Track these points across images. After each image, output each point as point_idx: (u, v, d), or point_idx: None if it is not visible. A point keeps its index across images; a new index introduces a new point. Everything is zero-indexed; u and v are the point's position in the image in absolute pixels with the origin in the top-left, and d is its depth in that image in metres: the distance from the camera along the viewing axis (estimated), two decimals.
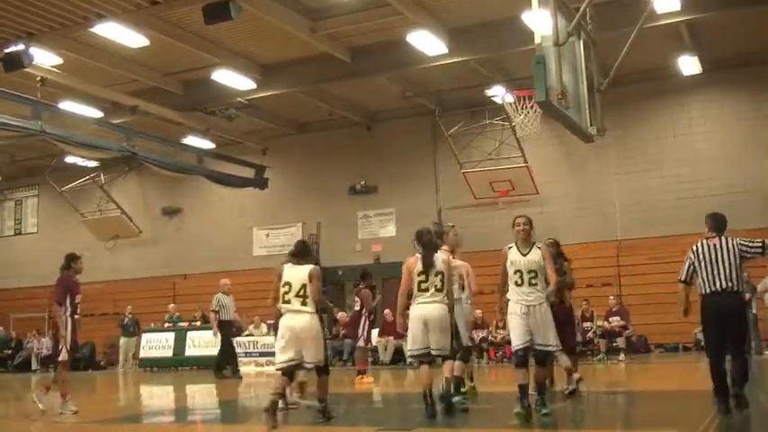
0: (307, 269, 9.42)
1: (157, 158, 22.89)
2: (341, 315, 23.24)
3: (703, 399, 10.54)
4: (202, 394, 16.16)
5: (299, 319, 9.18)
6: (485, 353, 20.87)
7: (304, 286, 9.26)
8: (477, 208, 24.12)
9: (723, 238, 8.90)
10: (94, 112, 22.47)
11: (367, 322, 16.04)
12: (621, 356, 18.83)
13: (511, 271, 8.93)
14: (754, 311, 16.74)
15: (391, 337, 21.60)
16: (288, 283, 9.37)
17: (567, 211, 23.31)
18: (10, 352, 27.85)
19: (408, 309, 9.72)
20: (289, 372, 9.39)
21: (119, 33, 17.64)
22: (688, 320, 21.06)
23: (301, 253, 9.84)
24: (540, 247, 9.15)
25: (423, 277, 9.55)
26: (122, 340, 25.30)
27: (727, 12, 18.50)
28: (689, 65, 21.29)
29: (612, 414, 9.77)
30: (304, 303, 9.24)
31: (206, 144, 25.98)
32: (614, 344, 19.26)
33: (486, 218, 24.00)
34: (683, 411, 9.35)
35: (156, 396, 16.12)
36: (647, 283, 18.49)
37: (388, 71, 21.38)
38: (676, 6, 17.05)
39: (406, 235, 25.16)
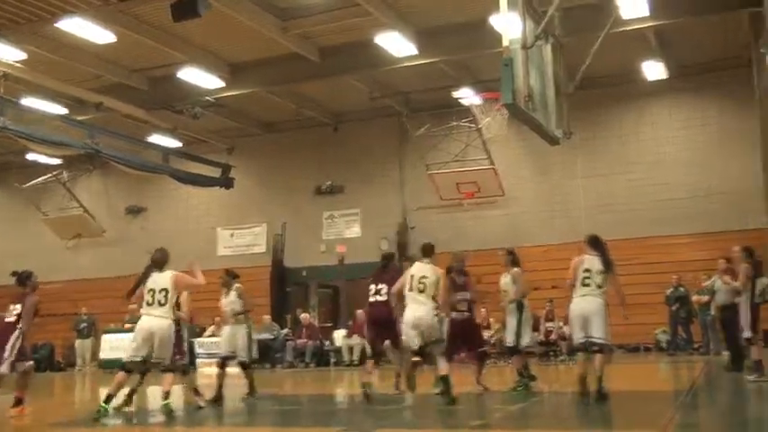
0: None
1: (122, 156, 22.72)
2: (304, 316, 23.20)
3: (663, 398, 10.70)
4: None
5: None
6: None
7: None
8: (443, 209, 24.20)
9: None
10: (58, 109, 22.21)
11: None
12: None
13: None
14: (712, 313, 16.95)
15: (360, 338, 21.63)
16: None
17: (533, 213, 23.49)
18: None
19: None
20: None
21: (85, 29, 17.47)
22: (650, 322, 21.54)
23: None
24: None
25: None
26: (77, 342, 25.00)
27: (693, 19, 18.77)
28: (655, 70, 21.55)
29: (572, 414, 9.84)
30: None
31: (172, 143, 25.78)
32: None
33: (452, 219, 24.12)
34: (643, 411, 9.44)
35: (114, 399, 15.90)
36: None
37: (357, 72, 21.39)
38: (644, 12, 17.26)
39: (370, 236, 25.36)
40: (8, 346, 10.56)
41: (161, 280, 10.28)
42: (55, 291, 28.24)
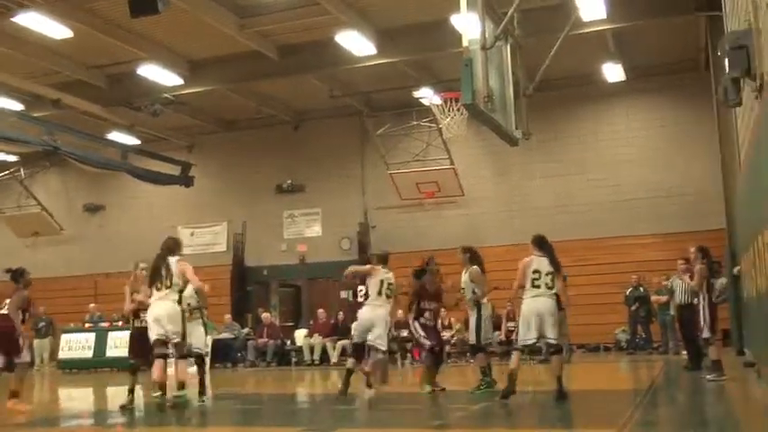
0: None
1: (80, 154, 22.44)
2: (265, 316, 23.10)
3: (623, 397, 10.80)
4: (122, 396, 15.85)
5: None
6: (408, 353, 20.82)
7: None
8: (404, 209, 24.25)
9: None
10: (15, 105, 21.92)
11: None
12: (543, 356, 18.99)
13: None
14: (672, 312, 17.14)
15: (321, 337, 21.63)
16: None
17: (493, 213, 23.59)
18: None
19: None
20: None
21: (41, 24, 17.26)
22: (609, 321, 21.72)
23: None
24: None
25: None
26: (36, 341, 24.61)
27: (650, 22, 18.99)
28: (613, 72, 21.75)
29: (533, 414, 9.90)
30: None
31: (131, 140, 25.56)
32: (537, 344, 19.46)
33: (413, 218, 24.18)
34: (603, 410, 9.53)
35: (74, 398, 15.77)
36: (569, 285, 18.75)
37: (317, 70, 21.34)
38: (602, 15, 17.42)
39: (331, 235, 25.33)
40: (20, 339, 11.02)
41: (171, 266, 10.47)
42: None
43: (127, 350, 11.52)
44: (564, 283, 10.43)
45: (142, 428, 10.18)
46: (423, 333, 11.87)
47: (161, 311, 10.29)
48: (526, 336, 10.06)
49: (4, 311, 11.13)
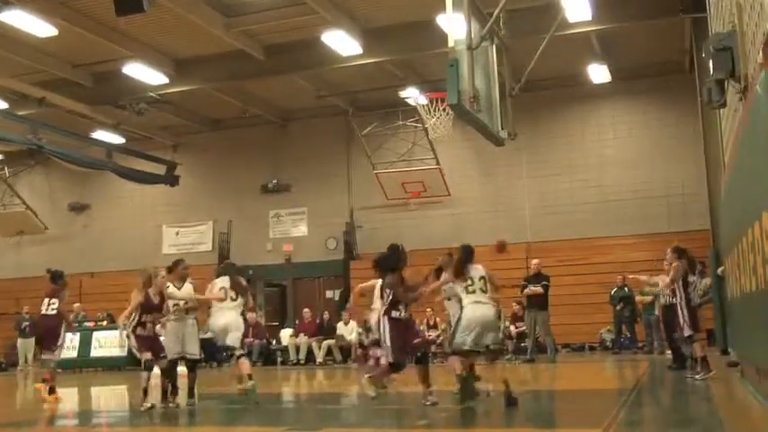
0: None
1: (65, 152, 22.36)
2: (250, 316, 23.03)
3: (608, 396, 10.83)
4: (107, 396, 15.81)
5: None
6: None
7: None
8: (389, 209, 24.26)
9: None
10: None
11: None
12: (528, 356, 19.05)
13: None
14: (657, 313, 17.20)
15: (306, 337, 21.62)
16: None
17: (478, 213, 23.61)
18: None
19: None
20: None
21: (25, 21, 17.15)
22: (594, 321, 21.76)
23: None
24: None
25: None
26: (19, 341, 24.48)
27: (636, 23, 19.07)
28: (599, 73, 21.83)
29: (517, 413, 9.91)
30: None
31: (116, 139, 25.46)
32: (523, 344, 19.53)
33: (398, 218, 24.18)
34: (588, 409, 9.55)
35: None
36: (554, 284, 18.90)
37: (303, 70, 21.30)
38: (588, 16, 17.47)
39: (317, 235, 25.32)
40: (61, 336, 12.31)
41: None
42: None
43: (134, 350, 11.16)
44: (498, 287, 10.32)
45: (124, 429, 10.14)
46: (389, 342, 10.34)
47: (230, 320, 10.98)
48: (466, 341, 9.68)
49: (52, 312, 12.37)
